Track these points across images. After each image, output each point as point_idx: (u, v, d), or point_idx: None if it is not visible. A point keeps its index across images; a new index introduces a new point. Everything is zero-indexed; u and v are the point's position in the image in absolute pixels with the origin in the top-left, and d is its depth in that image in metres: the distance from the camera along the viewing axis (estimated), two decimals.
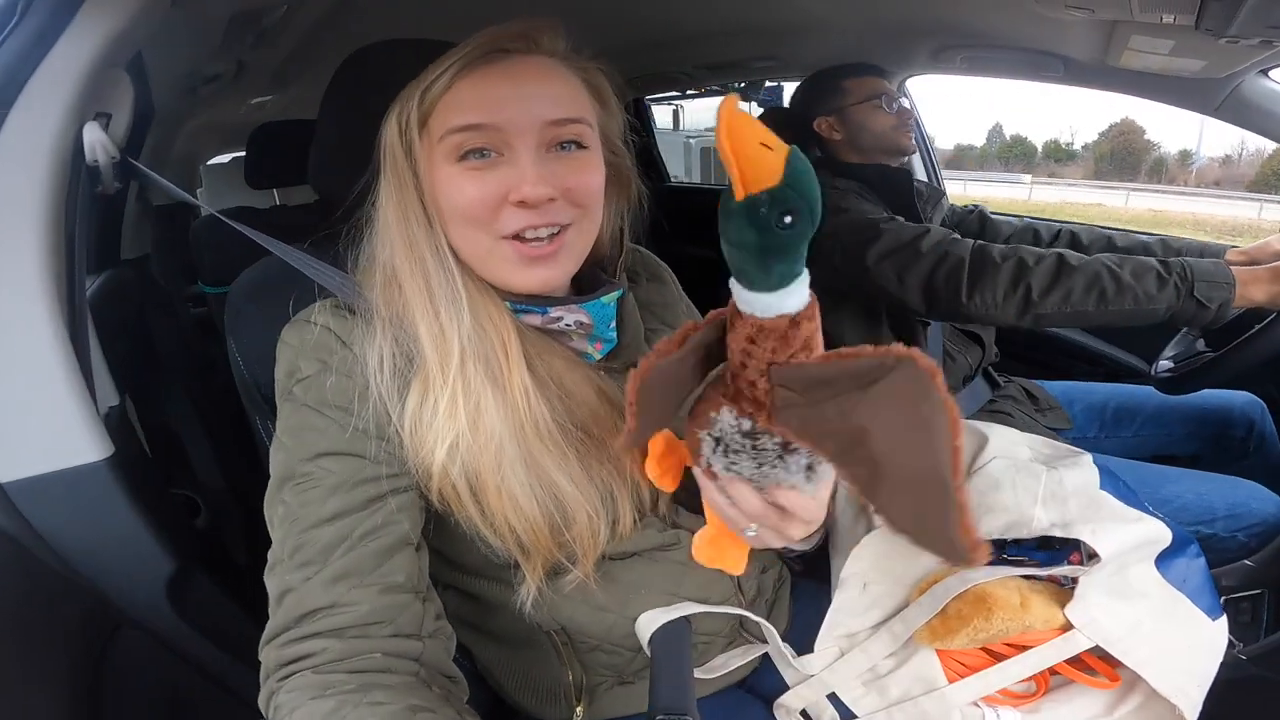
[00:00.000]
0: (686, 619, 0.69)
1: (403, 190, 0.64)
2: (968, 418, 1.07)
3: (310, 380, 0.63)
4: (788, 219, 0.41)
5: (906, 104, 1.48)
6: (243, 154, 1.72)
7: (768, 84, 2.35)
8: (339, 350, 0.64)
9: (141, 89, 0.84)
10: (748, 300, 0.46)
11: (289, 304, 0.70)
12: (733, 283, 0.46)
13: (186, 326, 1.89)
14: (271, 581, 0.60)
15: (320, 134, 0.83)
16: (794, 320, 0.47)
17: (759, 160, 0.41)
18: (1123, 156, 52.24)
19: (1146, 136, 53.93)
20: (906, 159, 1.56)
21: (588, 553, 0.65)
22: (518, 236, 0.63)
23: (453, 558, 0.69)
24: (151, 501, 0.89)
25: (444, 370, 0.62)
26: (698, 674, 0.71)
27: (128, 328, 1.45)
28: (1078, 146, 56.24)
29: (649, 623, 0.69)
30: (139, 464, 0.91)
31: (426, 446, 0.61)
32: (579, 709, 0.72)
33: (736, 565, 0.61)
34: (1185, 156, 52.18)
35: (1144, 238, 1.38)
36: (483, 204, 0.62)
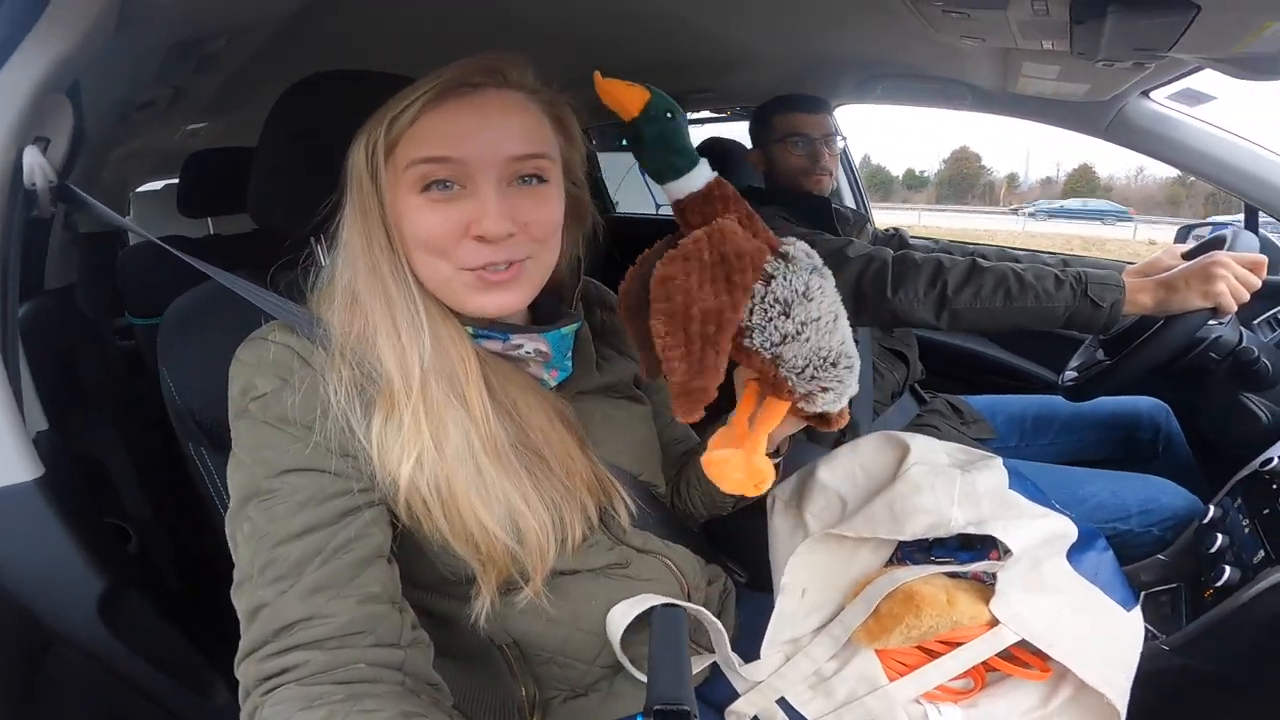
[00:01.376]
0: (683, 609, 0.70)
1: (368, 216, 0.65)
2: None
3: (268, 397, 0.63)
4: (668, 115, 0.63)
5: (821, 148, 1.55)
6: (174, 181, 1.68)
7: None
8: (299, 368, 0.64)
9: (78, 114, 0.83)
10: (674, 190, 0.66)
11: (223, 332, 0.70)
12: (665, 193, 0.66)
13: (114, 359, 1.83)
14: (241, 598, 0.60)
15: (261, 161, 0.83)
16: (707, 191, 0.66)
17: (630, 94, 0.62)
18: (959, 181, 54.94)
19: (981, 163, 57.17)
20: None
21: (538, 569, 0.66)
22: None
23: (408, 574, 0.69)
24: (82, 523, 0.87)
25: (407, 389, 0.63)
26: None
27: (53, 357, 1.40)
28: (929, 174, 59.39)
29: (622, 615, 0.71)
30: (69, 486, 0.89)
31: (393, 461, 0.62)
32: None
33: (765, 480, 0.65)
34: (1013, 180, 56.21)
35: (1047, 258, 1.49)
36: (444, 236, 0.64)
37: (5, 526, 0.81)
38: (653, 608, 0.70)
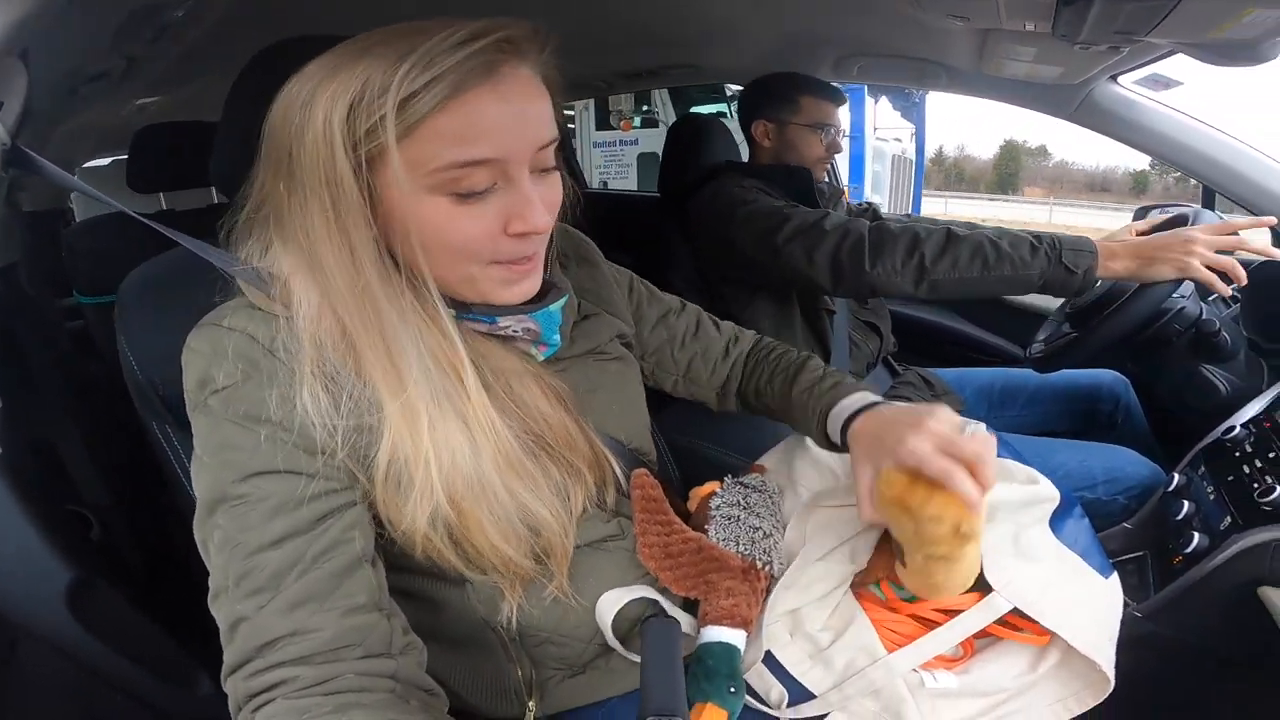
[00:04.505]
0: (675, 620, 0.70)
1: (346, 224, 0.56)
2: None
3: (230, 391, 0.58)
4: None
5: (839, 140, 1.56)
6: (123, 156, 1.62)
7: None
8: (263, 359, 0.58)
9: (30, 78, 0.78)
10: None
11: (184, 301, 0.65)
12: None
13: (62, 340, 1.75)
14: (220, 611, 0.57)
15: (225, 133, 0.77)
16: None
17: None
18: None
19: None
20: None
21: (562, 566, 0.65)
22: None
23: (397, 561, 0.66)
24: (43, 508, 0.84)
25: (414, 436, 0.58)
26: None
27: None
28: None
29: (610, 604, 0.70)
30: (28, 469, 0.86)
31: (408, 517, 0.59)
32: (531, 704, 0.72)
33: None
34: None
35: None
36: (485, 237, 0.59)
37: None
38: (646, 619, 0.70)
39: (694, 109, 5.44)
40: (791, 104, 1.54)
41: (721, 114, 4.57)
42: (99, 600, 0.88)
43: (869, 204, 1.82)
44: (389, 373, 0.58)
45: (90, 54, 1.00)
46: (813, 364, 0.88)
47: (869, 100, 6.77)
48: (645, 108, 6.91)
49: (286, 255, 0.60)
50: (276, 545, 0.56)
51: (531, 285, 0.65)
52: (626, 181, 6.85)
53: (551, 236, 0.71)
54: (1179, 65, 1.22)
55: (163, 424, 0.83)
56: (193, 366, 0.60)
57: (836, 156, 1.63)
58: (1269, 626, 0.79)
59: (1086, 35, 0.97)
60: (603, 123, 7.02)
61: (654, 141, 6.75)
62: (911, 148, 7.87)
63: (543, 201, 0.61)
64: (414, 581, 0.69)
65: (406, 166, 0.55)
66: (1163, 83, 1.35)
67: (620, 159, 6.98)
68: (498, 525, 0.61)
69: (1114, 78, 1.40)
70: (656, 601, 0.73)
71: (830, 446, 0.81)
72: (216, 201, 2.17)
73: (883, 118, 7.45)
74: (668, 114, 6.70)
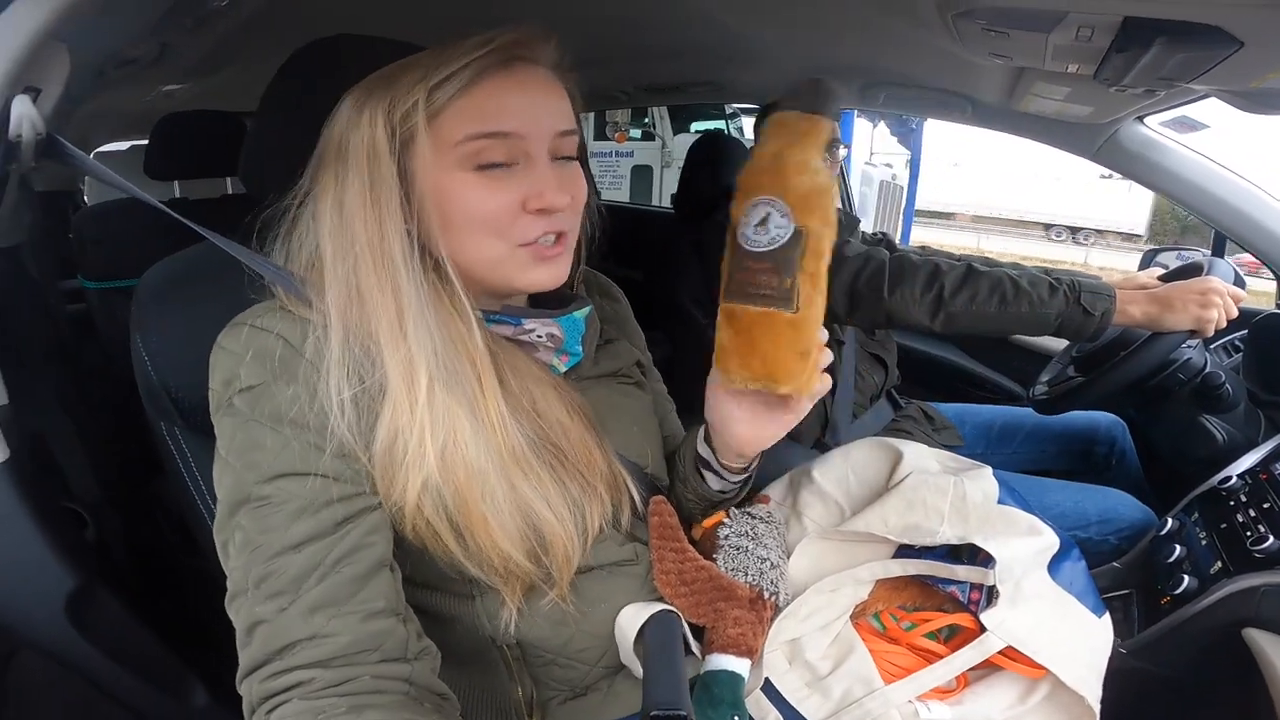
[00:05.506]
0: (676, 614, 0.71)
1: (381, 197, 0.60)
2: (874, 435, 1.16)
3: (257, 392, 0.59)
4: None
5: (839, 153, 1.52)
6: (139, 142, 1.63)
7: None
8: (293, 360, 0.59)
9: (74, 64, 0.78)
10: None
11: (208, 301, 0.66)
12: None
13: (61, 324, 1.74)
14: (237, 612, 0.57)
15: (263, 126, 0.77)
16: None
17: None
18: None
19: None
20: None
21: (564, 573, 0.65)
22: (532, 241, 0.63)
23: (408, 574, 0.66)
24: (48, 511, 0.83)
25: (412, 403, 0.59)
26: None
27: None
28: None
29: (631, 618, 0.70)
30: (27, 468, 0.84)
31: (398, 487, 0.59)
32: None
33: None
34: None
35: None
36: (504, 212, 0.62)
37: None
38: (647, 618, 0.70)
39: (694, 125, 5.49)
40: None
41: (720, 131, 4.61)
42: (98, 608, 0.87)
43: (883, 234, 1.82)
44: (394, 332, 0.60)
45: (129, 38, 1.00)
46: None
47: (867, 125, 6.78)
48: (645, 120, 6.99)
49: (323, 239, 0.62)
50: (298, 548, 0.56)
51: (557, 272, 0.67)
52: (619, 192, 6.92)
53: (579, 245, 0.73)
54: (1206, 108, 1.22)
55: (171, 425, 0.82)
56: (222, 365, 0.61)
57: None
58: (1252, 668, 0.81)
59: (1130, 80, 0.97)
60: (600, 133, 7.10)
61: (647, 155, 6.89)
62: (904, 174, 7.94)
63: (561, 185, 0.63)
64: (425, 596, 0.68)
65: (434, 144, 0.60)
66: (1189, 125, 1.35)
67: (615, 170, 7.06)
68: (499, 519, 0.61)
69: (1141, 118, 1.41)
70: (677, 617, 0.72)
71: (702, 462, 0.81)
72: (231, 192, 2.18)
73: (879, 143, 7.49)
74: (664, 129, 6.80)
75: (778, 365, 0.64)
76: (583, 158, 0.72)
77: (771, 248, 0.63)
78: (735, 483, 0.80)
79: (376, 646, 0.57)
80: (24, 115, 0.70)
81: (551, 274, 0.66)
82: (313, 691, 0.54)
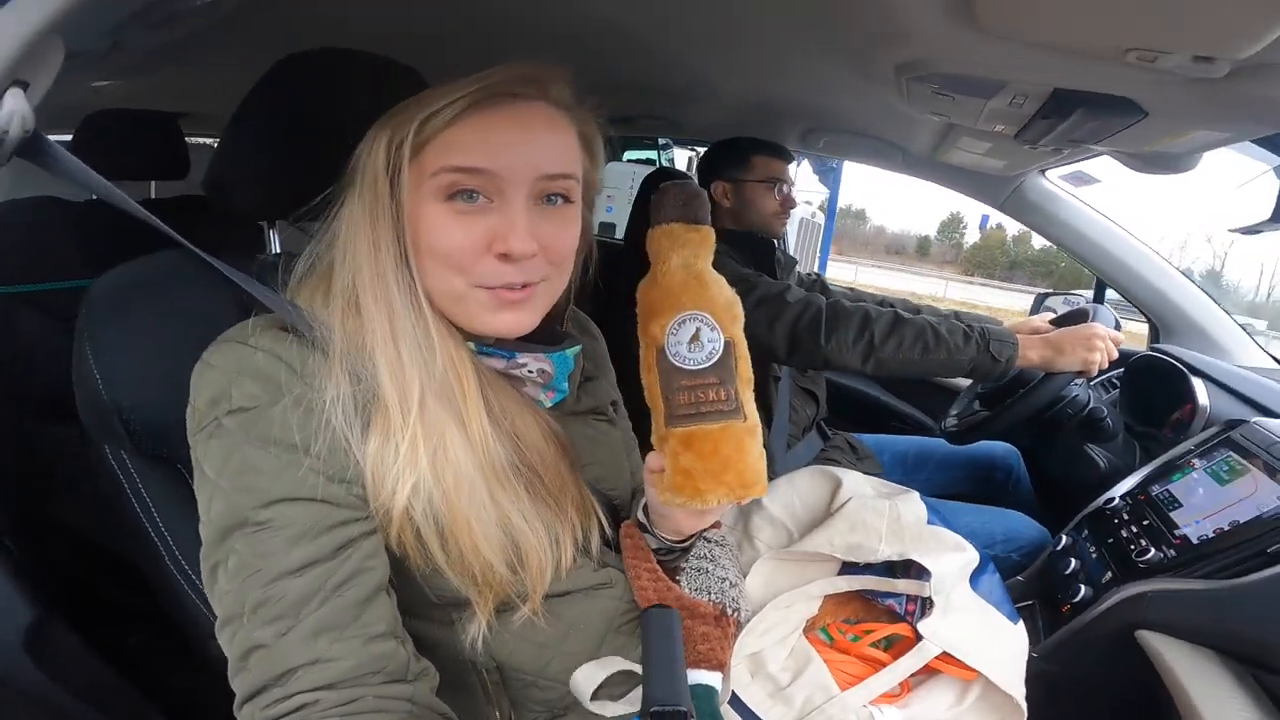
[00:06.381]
0: (675, 610, 0.73)
1: (378, 220, 0.61)
2: (805, 465, 1.24)
3: (252, 414, 0.57)
4: None
5: (792, 195, 1.67)
6: (65, 137, 1.55)
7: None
8: (287, 380, 0.58)
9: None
10: None
11: (172, 317, 0.64)
12: None
13: None
14: (231, 638, 0.56)
15: (236, 136, 0.75)
16: None
17: None
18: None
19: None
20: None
21: (537, 589, 0.66)
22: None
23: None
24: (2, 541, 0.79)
25: (404, 411, 0.60)
26: (618, 708, 0.73)
27: None
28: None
29: (588, 677, 0.71)
30: None
31: (387, 490, 0.59)
32: None
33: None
34: None
35: (942, 310, 1.71)
36: (466, 249, 0.62)
37: None
38: (646, 610, 0.72)
39: (626, 154, 5.59)
40: (744, 163, 1.64)
41: (650, 161, 4.71)
42: (59, 641, 0.83)
43: (816, 275, 1.94)
44: (388, 344, 0.61)
45: (90, 32, 0.95)
46: None
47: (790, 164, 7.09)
48: None
49: (332, 256, 0.63)
50: (298, 573, 0.56)
51: (521, 319, 0.66)
52: None
53: (569, 290, 0.75)
54: (1102, 165, 1.38)
55: (117, 449, 0.76)
56: (209, 383, 0.59)
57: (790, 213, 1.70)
58: (1146, 664, 0.92)
59: (1046, 141, 1.08)
60: None
61: None
62: (820, 213, 8.34)
63: (536, 233, 0.62)
64: (406, 623, 0.66)
65: (414, 174, 0.61)
66: (1084, 179, 1.53)
67: None
68: (482, 526, 0.62)
69: (1043, 171, 1.58)
70: (675, 615, 0.73)
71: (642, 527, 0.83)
72: (154, 195, 2.05)
73: (801, 181, 7.86)
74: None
75: (750, 473, 0.65)
76: (589, 200, 0.72)
77: (710, 363, 0.64)
78: (678, 548, 0.82)
79: (380, 669, 0.57)
80: (15, 110, 0.65)
81: (514, 321, 0.65)
82: (319, 712, 0.53)
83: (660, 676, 0.63)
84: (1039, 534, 1.42)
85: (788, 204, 1.66)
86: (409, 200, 0.61)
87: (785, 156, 1.68)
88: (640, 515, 0.80)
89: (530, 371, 0.70)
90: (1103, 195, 1.61)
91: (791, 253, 1.96)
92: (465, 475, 0.62)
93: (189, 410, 0.60)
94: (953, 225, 60.46)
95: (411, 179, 0.61)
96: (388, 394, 0.60)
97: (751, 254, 1.58)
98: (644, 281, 0.69)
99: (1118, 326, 1.32)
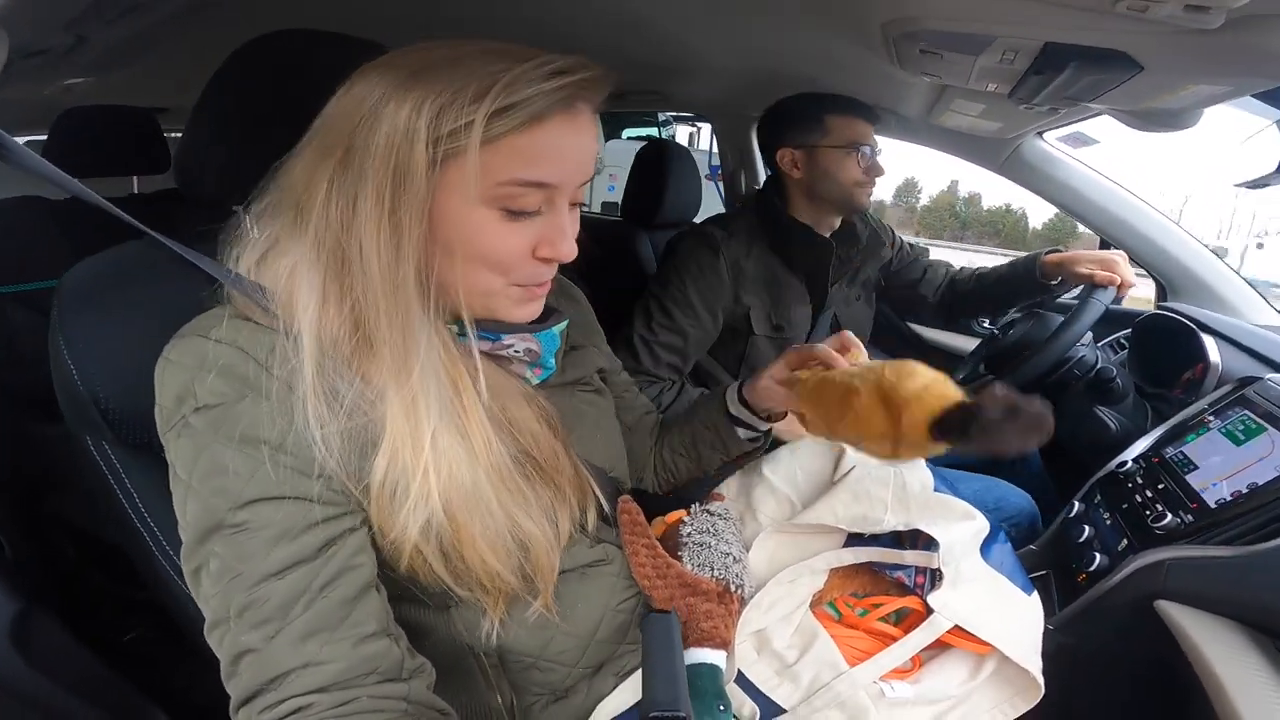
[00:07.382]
0: (673, 613, 0.72)
1: (406, 220, 0.56)
2: None
3: (219, 411, 0.55)
4: None
5: (877, 163, 1.44)
6: (39, 137, 1.55)
7: None
8: (254, 374, 0.56)
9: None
10: None
11: (143, 306, 0.63)
12: None
13: None
14: (220, 642, 0.54)
15: (201, 122, 0.73)
16: None
17: None
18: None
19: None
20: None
21: (547, 582, 0.65)
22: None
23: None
24: None
25: (416, 448, 0.57)
26: (624, 690, 0.73)
27: None
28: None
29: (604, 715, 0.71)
30: None
31: (399, 527, 0.58)
32: None
33: None
34: None
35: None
36: (516, 255, 0.62)
37: None
38: (646, 615, 0.72)
39: (625, 131, 5.55)
40: (817, 125, 1.41)
41: (651, 138, 4.68)
42: (45, 633, 0.81)
43: (913, 246, 1.83)
44: (400, 373, 0.57)
45: (47, 27, 0.92)
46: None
47: None
48: None
49: (303, 248, 0.58)
50: (281, 575, 0.54)
51: (539, 308, 0.68)
52: None
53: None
54: (1101, 125, 1.33)
55: (99, 439, 0.75)
56: (172, 380, 0.56)
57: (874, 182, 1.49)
58: (1166, 635, 0.89)
59: (1040, 99, 1.05)
60: None
61: None
62: None
63: (572, 233, 0.64)
64: (397, 609, 0.65)
65: (463, 168, 0.56)
66: (1082, 140, 1.49)
67: None
68: (488, 539, 0.61)
69: (1040, 134, 1.54)
70: (675, 617, 0.75)
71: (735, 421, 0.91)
72: (136, 191, 2.06)
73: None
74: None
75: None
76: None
77: None
78: (762, 431, 0.93)
79: (373, 669, 0.55)
80: None
81: (534, 310, 0.67)
82: (314, 715, 0.52)
83: (658, 680, 0.63)
84: (1026, 503, 1.40)
85: (873, 172, 1.43)
86: (450, 198, 0.57)
87: (869, 116, 1.44)
88: (734, 405, 0.91)
89: (517, 351, 0.69)
90: (1104, 155, 1.60)
91: None
92: (471, 490, 0.60)
93: (156, 409, 0.58)
94: (908, 190, 61.66)
95: (456, 175, 0.56)
96: (396, 426, 0.57)
97: (801, 255, 1.46)
98: None
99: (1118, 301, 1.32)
